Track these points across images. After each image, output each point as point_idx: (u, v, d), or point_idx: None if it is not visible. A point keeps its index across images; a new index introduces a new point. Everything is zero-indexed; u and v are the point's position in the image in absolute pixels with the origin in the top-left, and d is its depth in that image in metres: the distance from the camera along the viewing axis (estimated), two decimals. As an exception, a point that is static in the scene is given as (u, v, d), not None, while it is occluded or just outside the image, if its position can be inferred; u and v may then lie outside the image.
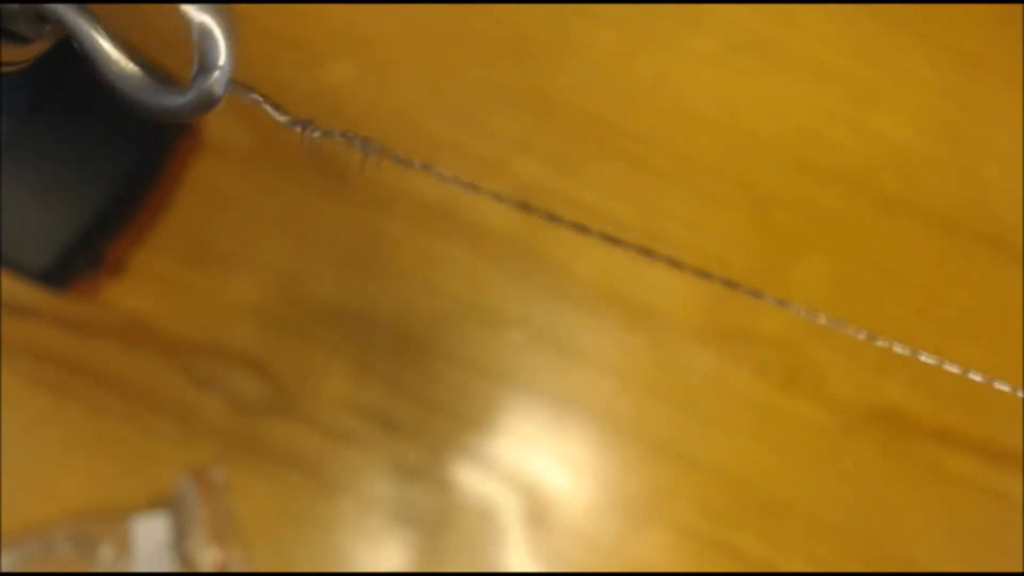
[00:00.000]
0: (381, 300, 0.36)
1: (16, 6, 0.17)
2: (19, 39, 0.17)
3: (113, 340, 0.35)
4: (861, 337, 0.17)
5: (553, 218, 0.18)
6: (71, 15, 0.16)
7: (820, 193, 0.37)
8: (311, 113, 0.39)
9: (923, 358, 0.17)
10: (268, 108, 0.17)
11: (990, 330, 0.36)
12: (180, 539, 0.33)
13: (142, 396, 0.35)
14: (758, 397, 0.36)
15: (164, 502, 0.34)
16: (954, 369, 0.17)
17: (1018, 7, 0.38)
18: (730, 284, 0.18)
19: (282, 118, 0.17)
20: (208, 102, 0.16)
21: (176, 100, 0.17)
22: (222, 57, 0.16)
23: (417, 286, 0.36)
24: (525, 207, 0.18)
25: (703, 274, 0.18)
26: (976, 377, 0.17)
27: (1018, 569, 0.34)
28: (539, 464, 0.35)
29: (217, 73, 0.16)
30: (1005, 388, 0.17)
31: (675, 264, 0.18)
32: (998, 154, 0.38)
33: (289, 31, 0.38)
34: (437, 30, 0.38)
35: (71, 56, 0.32)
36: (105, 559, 0.33)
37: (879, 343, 0.17)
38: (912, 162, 0.37)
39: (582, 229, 0.18)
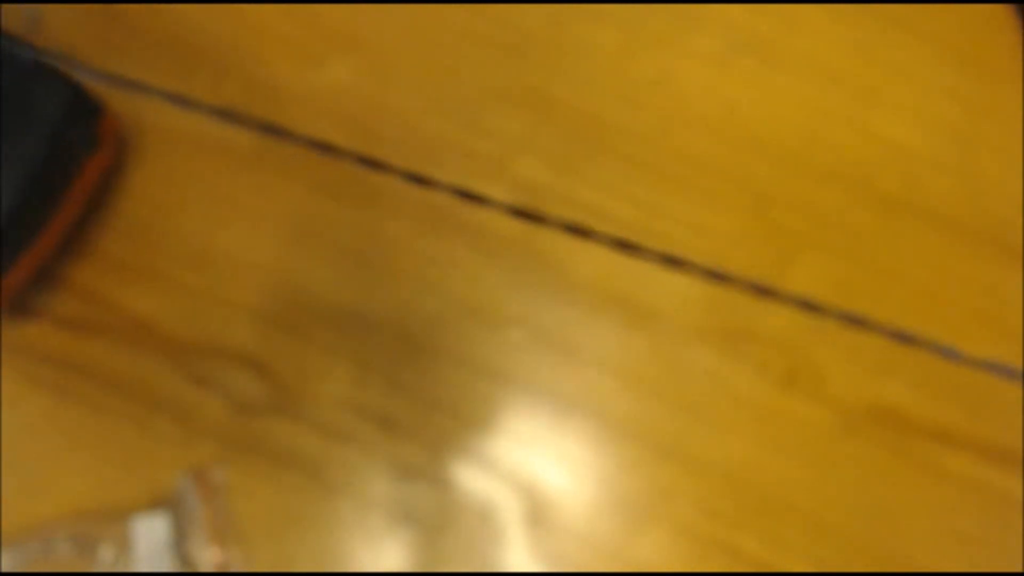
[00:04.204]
0: (381, 300, 0.36)
1: None
2: None
3: (113, 340, 0.35)
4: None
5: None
6: None
7: (820, 193, 0.37)
8: (310, 113, 0.39)
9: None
10: None
11: (990, 330, 0.36)
12: (180, 539, 0.33)
13: (142, 396, 0.35)
14: (758, 397, 0.36)
15: (164, 502, 0.34)
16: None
17: (1019, 7, 0.38)
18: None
19: None
20: None
21: None
22: None
23: (417, 286, 0.36)
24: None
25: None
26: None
27: (1018, 569, 0.34)
28: (539, 464, 0.35)
29: None
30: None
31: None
32: (999, 154, 0.38)
33: (289, 31, 0.38)
34: (437, 30, 0.38)
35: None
36: (105, 559, 0.33)
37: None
38: (912, 162, 0.37)
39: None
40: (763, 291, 0.36)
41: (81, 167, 0.34)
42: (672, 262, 0.37)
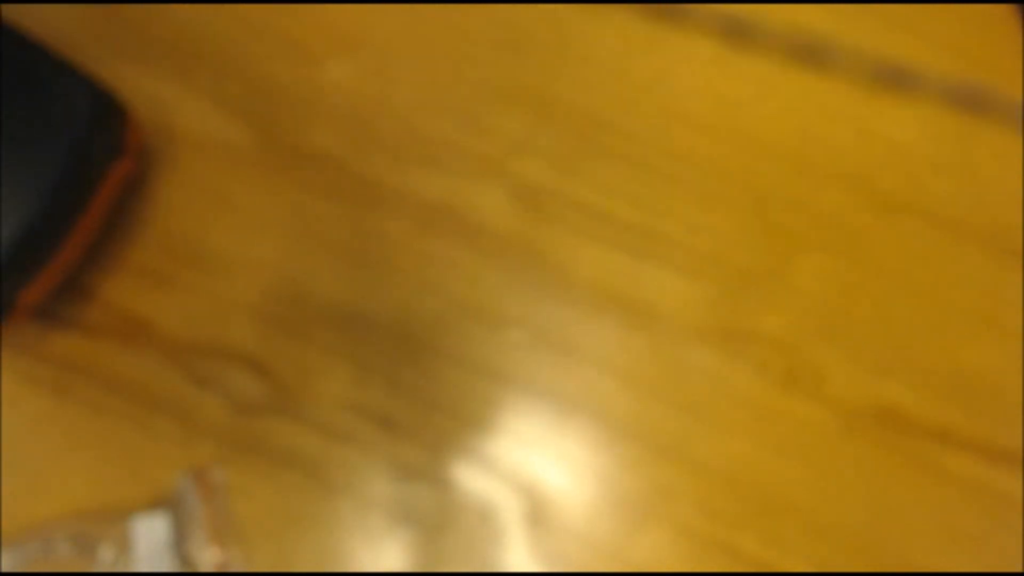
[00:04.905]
0: (381, 300, 0.36)
1: None
2: None
3: (113, 340, 0.35)
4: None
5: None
6: None
7: (820, 193, 0.37)
8: (310, 112, 0.39)
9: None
10: None
11: (990, 330, 0.36)
12: (180, 539, 0.33)
13: (142, 396, 0.35)
14: (758, 397, 0.36)
15: (164, 502, 0.34)
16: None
17: (1019, 7, 0.38)
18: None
19: None
20: None
21: None
22: None
23: (417, 286, 0.36)
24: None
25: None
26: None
27: (1018, 569, 0.34)
28: (539, 464, 0.35)
29: None
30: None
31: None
32: (998, 154, 0.38)
33: (289, 31, 0.38)
34: (436, 30, 0.38)
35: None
36: (105, 559, 0.33)
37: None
38: (912, 162, 0.37)
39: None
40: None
41: (104, 176, 0.33)
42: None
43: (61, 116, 0.31)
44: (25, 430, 0.35)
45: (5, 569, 0.33)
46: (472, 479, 0.35)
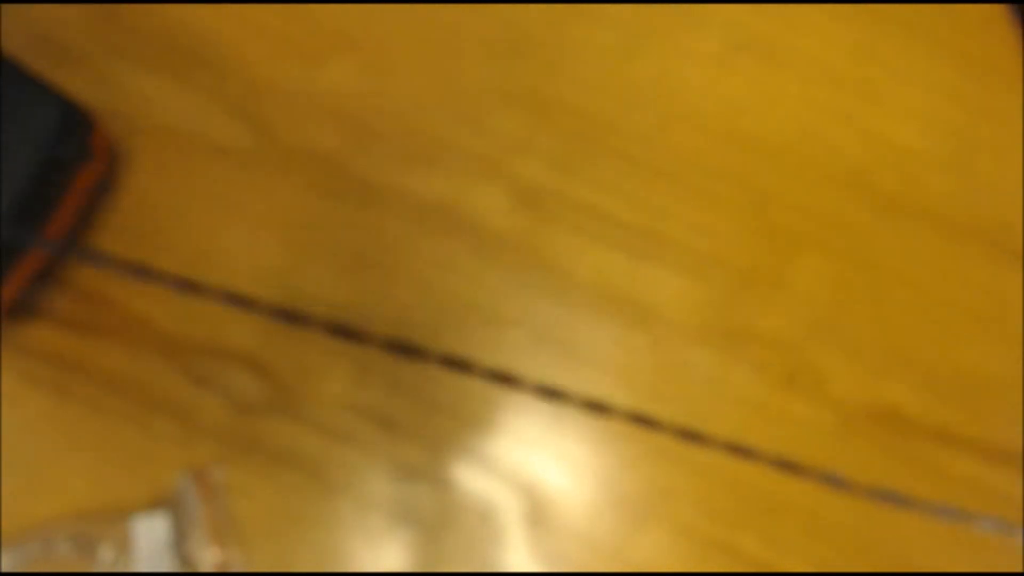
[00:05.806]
0: (381, 300, 0.36)
1: None
2: None
3: (113, 340, 0.35)
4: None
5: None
6: None
7: (820, 193, 0.37)
8: (310, 113, 0.39)
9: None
10: None
11: (990, 330, 0.36)
12: (180, 539, 0.33)
13: (142, 396, 0.35)
14: (758, 397, 0.36)
15: (164, 502, 0.34)
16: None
17: (1018, 7, 0.38)
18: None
19: None
20: None
21: None
22: None
23: (417, 286, 0.36)
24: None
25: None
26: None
27: (1018, 569, 0.34)
28: (539, 464, 0.35)
29: None
30: None
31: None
32: (998, 154, 0.38)
33: (289, 31, 0.38)
34: (435, 30, 0.38)
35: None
36: (105, 559, 0.33)
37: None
38: (912, 162, 0.37)
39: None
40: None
41: (73, 179, 0.34)
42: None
43: (30, 130, 0.33)
44: (25, 430, 0.35)
45: (5, 569, 0.33)
46: (472, 479, 0.35)
